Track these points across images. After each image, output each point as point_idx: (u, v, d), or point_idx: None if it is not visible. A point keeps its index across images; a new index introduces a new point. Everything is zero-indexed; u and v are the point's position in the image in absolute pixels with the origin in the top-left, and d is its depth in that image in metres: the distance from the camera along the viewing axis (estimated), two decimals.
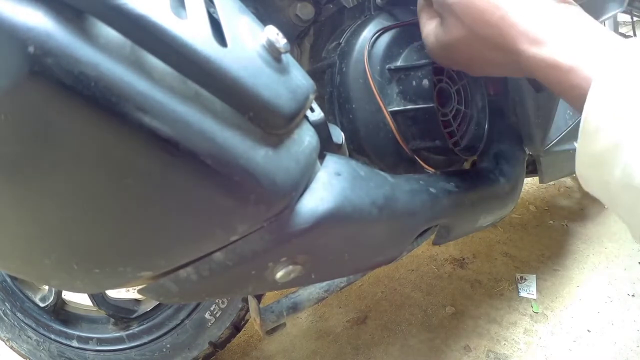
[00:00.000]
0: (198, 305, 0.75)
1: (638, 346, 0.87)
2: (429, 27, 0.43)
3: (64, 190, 0.25)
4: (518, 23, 0.33)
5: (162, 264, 0.30)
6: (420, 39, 0.49)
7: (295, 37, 0.57)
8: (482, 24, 0.36)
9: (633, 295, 1.00)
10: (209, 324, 0.75)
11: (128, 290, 0.99)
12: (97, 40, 0.22)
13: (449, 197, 0.45)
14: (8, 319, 0.82)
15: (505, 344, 0.90)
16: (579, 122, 0.29)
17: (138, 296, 0.84)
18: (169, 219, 0.27)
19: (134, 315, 0.80)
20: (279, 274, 0.33)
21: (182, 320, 0.76)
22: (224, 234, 0.29)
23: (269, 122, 0.28)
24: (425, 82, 0.46)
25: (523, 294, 1.03)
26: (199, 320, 0.75)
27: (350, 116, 0.48)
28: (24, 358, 0.83)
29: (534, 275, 1.08)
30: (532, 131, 0.61)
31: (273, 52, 0.29)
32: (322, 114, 0.36)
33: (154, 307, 0.80)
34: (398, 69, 0.47)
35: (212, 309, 0.75)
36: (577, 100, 0.29)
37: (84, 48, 0.21)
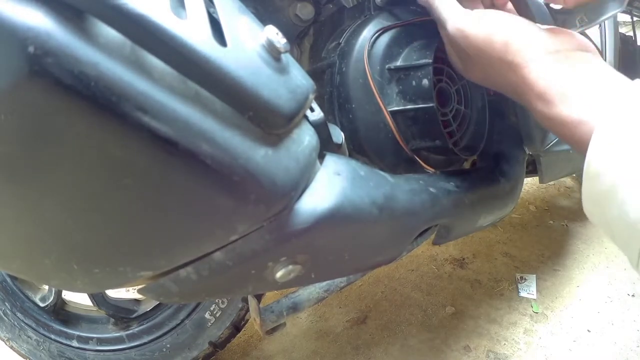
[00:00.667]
0: (198, 305, 0.75)
1: (638, 346, 0.87)
2: (450, 50, 0.47)
3: (63, 190, 0.25)
4: (534, 85, 0.36)
5: (162, 264, 0.30)
6: (420, 38, 0.49)
7: (295, 37, 0.57)
8: (502, 79, 0.40)
9: (633, 295, 1.00)
10: (209, 324, 0.75)
11: (128, 290, 0.99)
12: (97, 40, 0.22)
13: (449, 197, 0.45)
14: (8, 319, 0.82)
15: (505, 344, 0.90)
16: None
17: (138, 296, 0.84)
18: (168, 219, 0.27)
19: (134, 315, 0.80)
20: (279, 274, 0.33)
21: (182, 320, 0.76)
22: (224, 234, 0.29)
23: (268, 121, 0.28)
24: (425, 82, 0.46)
25: (523, 294, 1.03)
26: (199, 320, 0.75)
27: (350, 116, 0.48)
28: (24, 358, 0.83)
29: (534, 275, 1.08)
30: (532, 131, 0.61)
31: (273, 52, 0.29)
32: (322, 114, 0.36)
33: (154, 307, 0.80)
34: (398, 69, 0.47)
35: (212, 309, 0.75)
36: (585, 151, 0.33)
37: (83, 48, 0.21)
